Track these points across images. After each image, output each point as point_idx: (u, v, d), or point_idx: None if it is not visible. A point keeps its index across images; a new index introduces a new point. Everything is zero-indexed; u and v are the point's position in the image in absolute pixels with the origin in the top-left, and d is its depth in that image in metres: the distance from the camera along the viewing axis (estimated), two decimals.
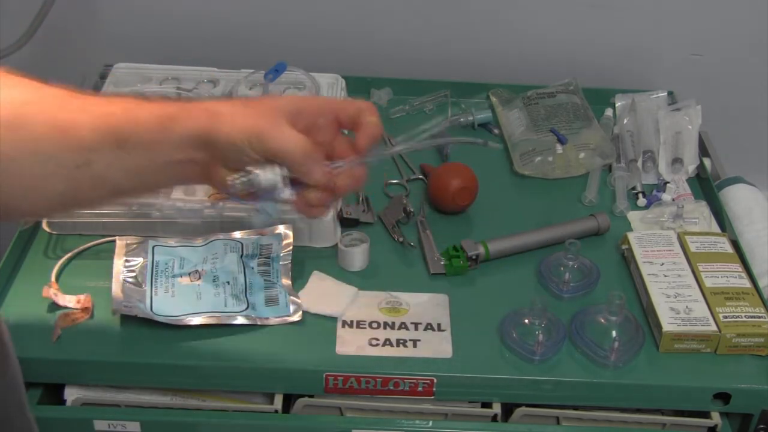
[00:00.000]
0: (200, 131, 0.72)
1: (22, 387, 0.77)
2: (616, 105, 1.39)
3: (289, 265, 1.06)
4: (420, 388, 0.96)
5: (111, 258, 1.05)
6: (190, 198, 1.11)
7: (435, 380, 0.96)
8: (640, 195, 1.23)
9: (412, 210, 1.15)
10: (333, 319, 1.01)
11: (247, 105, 0.75)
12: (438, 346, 0.99)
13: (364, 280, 1.06)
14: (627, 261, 1.11)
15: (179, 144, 0.72)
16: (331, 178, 0.76)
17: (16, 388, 0.75)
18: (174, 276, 1.03)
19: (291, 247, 1.07)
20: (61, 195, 0.72)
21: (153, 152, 0.72)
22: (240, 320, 0.99)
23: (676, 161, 1.26)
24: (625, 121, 1.34)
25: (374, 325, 1.01)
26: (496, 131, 1.35)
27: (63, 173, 0.70)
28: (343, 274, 1.07)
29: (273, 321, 1.00)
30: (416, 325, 1.01)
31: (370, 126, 0.79)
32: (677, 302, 1.01)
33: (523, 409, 0.98)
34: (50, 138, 0.69)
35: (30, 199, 0.71)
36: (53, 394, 0.99)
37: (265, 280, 1.04)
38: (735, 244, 1.11)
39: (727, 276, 1.05)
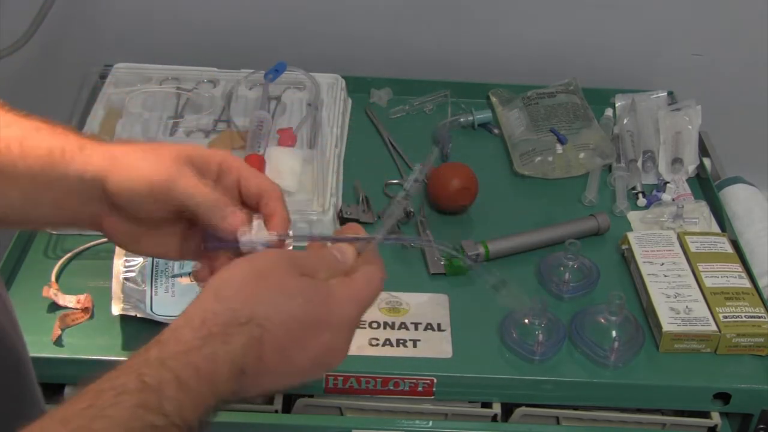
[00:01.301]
0: (96, 175, 0.64)
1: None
2: (616, 105, 1.39)
3: None
4: (420, 388, 0.96)
5: (111, 258, 1.05)
6: None
7: (435, 380, 0.96)
8: (640, 195, 1.23)
9: (412, 210, 1.15)
10: None
11: (147, 151, 0.66)
12: (438, 346, 0.99)
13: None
14: (627, 261, 1.11)
15: (71, 185, 0.65)
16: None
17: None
18: (174, 276, 1.03)
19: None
20: None
21: (34, 194, 0.66)
22: None
23: (676, 161, 1.26)
24: (625, 121, 1.34)
25: (374, 325, 1.01)
26: (496, 131, 1.35)
27: None
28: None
29: None
30: (416, 325, 1.01)
31: (277, 215, 0.68)
32: (677, 302, 1.01)
33: (523, 409, 0.98)
34: None
35: None
36: (53, 394, 0.99)
37: None
38: (735, 244, 1.11)
39: (727, 276, 1.05)
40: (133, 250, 0.71)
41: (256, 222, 0.65)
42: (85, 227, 0.68)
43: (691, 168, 1.27)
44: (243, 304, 0.57)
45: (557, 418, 1.00)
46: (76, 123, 1.23)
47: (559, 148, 1.25)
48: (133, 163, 0.65)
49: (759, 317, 1.00)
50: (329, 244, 0.66)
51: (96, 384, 0.55)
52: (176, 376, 0.54)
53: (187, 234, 0.68)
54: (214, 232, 0.65)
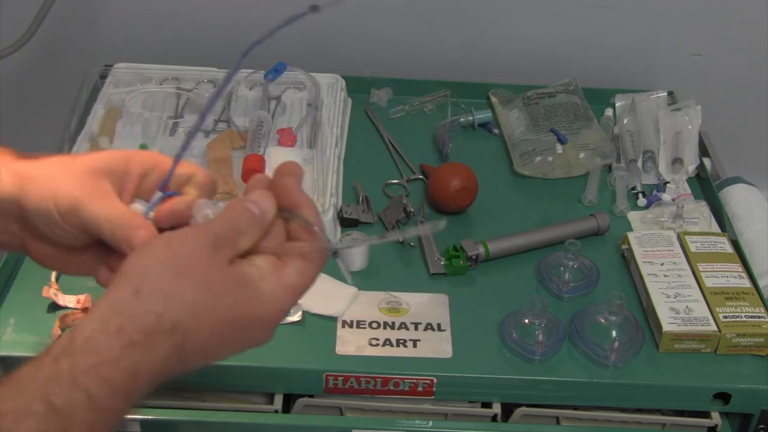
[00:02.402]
0: (7, 196, 0.60)
1: None
2: (616, 105, 1.39)
3: None
4: (420, 388, 0.96)
5: None
6: None
7: (435, 380, 0.96)
8: (640, 195, 1.23)
9: (412, 210, 1.15)
10: (333, 319, 1.01)
11: (59, 166, 0.61)
12: (438, 346, 0.99)
13: (364, 280, 1.06)
14: (627, 261, 1.11)
15: None
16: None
17: None
18: None
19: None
20: None
21: None
22: None
23: (676, 161, 1.26)
24: (625, 121, 1.34)
25: (374, 325, 1.01)
26: (496, 131, 1.35)
27: None
28: (343, 274, 1.07)
29: None
30: (416, 325, 1.01)
31: (200, 185, 0.64)
32: (677, 302, 1.01)
33: (523, 409, 0.98)
34: None
35: None
36: None
37: None
38: (735, 244, 1.11)
39: (727, 276, 1.05)
40: (62, 271, 0.67)
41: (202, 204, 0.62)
42: (10, 249, 0.65)
43: (691, 168, 1.27)
44: (166, 307, 0.52)
45: (557, 418, 1.00)
46: (76, 123, 1.23)
47: (559, 148, 1.25)
48: (42, 180, 0.60)
49: (759, 317, 1.00)
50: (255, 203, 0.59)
51: None
52: (89, 396, 0.49)
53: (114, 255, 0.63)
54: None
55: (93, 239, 0.62)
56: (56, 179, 0.60)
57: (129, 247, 0.59)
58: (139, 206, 0.64)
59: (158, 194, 0.63)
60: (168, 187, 0.64)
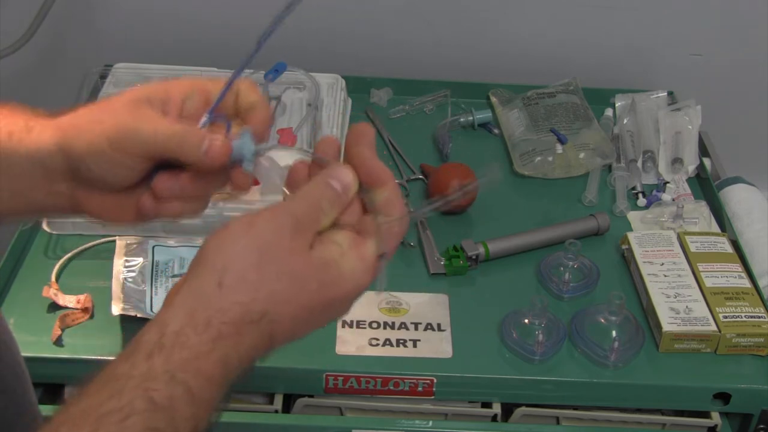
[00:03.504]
0: (52, 151, 0.59)
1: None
2: (616, 105, 1.39)
3: None
4: (420, 388, 0.96)
5: (111, 258, 1.05)
6: None
7: (435, 380, 0.96)
8: (640, 195, 1.23)
9: (412, 210, 1.15)
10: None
11: (103, 106, 0.61)
12: (438, 346, 0.99)
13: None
14: (627, 261, 1.11)
15: (24, 169, 0.60)
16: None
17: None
18: (174, 276, 1.03)
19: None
20: None
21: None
22: None
23: (676, 161, 1.26)
24: (625, 121, 1.34)
25: (374, 325, 1.01)
26: (496, 131, 1.35)
27: None
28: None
29: None
30: (416, 325, 1.01)
31: (257, 111, 0.62)
32: (677, 302, 1.01)
33: (523, 409, 0.98)
34: None
35: None
36: (53, 394, 0.99)
37: None
38: (735, 244, 1.11)
39: (727, 276, 1.05)
40: (118, 221, 0.64)
41: (244, 134, 0.60)
42: (56, 211, 0.64)
43: (691, 168, 1.27)
44: (252, 298, 0.52)
45: (557, 418, 1.00)
46: None
47: (559, 148, 1.25)
48: (87, 125, 0.59)
49: (759, 317, 1.00)
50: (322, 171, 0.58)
51: (95, 400, 0.49)
52: (187, 389, 0.49)
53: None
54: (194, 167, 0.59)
55: (147, 171, 0.60)
56: (102, 118, 0.59)
57: (201, 157, 0.58)
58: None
59: (206, 117, 0.61)
60: (218, 111, 0.61)
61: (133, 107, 0.59)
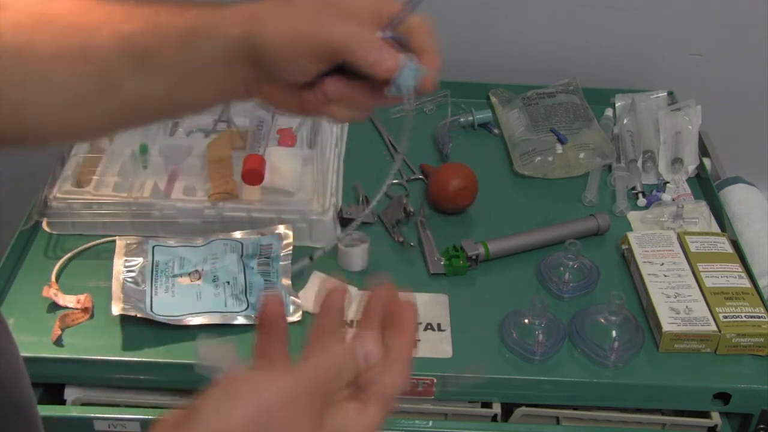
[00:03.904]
0: (238, 40, 0.60)
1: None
2: (616, 105, 1.39)
3: (289, 265, 1.06)
4: (420, 388, 0.96)
5: (111, 258, 1.05)
6: (190, 198, 1.11)
7: (435, 380, 0.96)
8: (640, 195, 1.23)
9: (412, 210, 1.15)
10: None
11: (298, 4, 0.61)
12: (438, 346, 0.99)
13: (364, 280, 1.06)
14: (627, 261, 1.11)
15: (216, 55, 0.60)
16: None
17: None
18: (174, 276, 1.03)
19: (291, 247, 1.07)
20: (95, 121, 0.64)
21: (182, 71, 0.61)
22: (240, 320, 0.99)
23: (676, 161, 1.26)
24: (625, 121, 1.34)
25: None
26: (496, 131, 1.35)
27: (88, 102, 0.62)
28: (343, 274, 1.07)
29: None
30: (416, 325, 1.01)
31: (426, 55, 0.65)
32: (677, 302, 1.01)
33: (523, 409, 0.98)
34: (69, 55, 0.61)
35: (64, 116, 0.63)
36: (53, 394, 0.99)
37: (265, 280, 1.04)
38: (735, 244, 1.11)
39: (727, 276, 1.05)
40: (293, 112, 0.66)
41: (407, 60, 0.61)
42: (237, 97, 0.65)
43: (691, 168, 1.27)
44: None
45: (557, 418, 1.00)
46: None
47: (559, 148, 1.25)
48: (278, 17, 0.60)
49: (759, 317, 1.00)
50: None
51: None
52: None
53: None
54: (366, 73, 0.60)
55: (322, 71, 0.61)
56: (293, 12, 0.60)
57: (371, 64, 0.59)
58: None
59: (381, 33, 0.61)
60: (394, 29, 0.62)
61: (325, 10, 0.60)
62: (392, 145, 1.30)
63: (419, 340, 0.99)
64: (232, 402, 0.47)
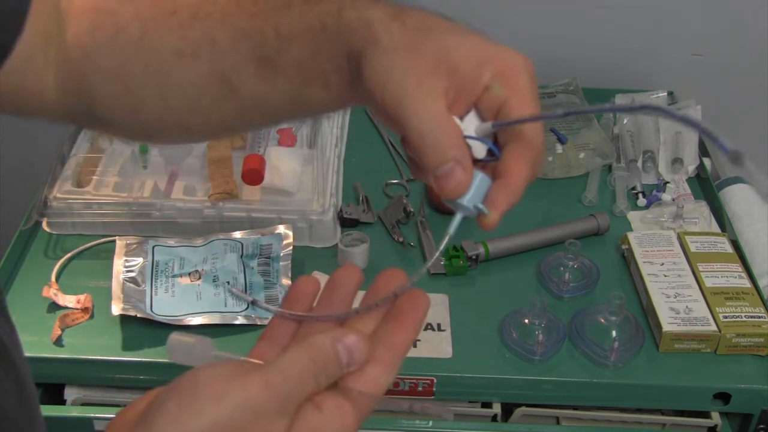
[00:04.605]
0: (350, 51, 0.53)
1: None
2: None
3: (289, 265, 1.06)
4: (420, 388, 0.96)
5: (111, 258, 1.05)
6: (190, 198, 1.11)
7: (435, 380, 0.96)
8: (640, 195, 1.23)
9: (412, 210, 1.15)
10: None
11: (413, 44, 0.51)
12: (438, 346, 0.99)
13: (364, 280, 1.06)
14: (627, 261, 1.11)
15: (340, 62, 0.54)
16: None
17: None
18: (174, 276, 1.03)
19: (291, 247, 1.07)
20: (217, 121, 0.60)
21: (306, 74, 0.55)
22: (240, 320, 0.99)
23: (676, 161, 1.26)
24: (625, 121, 1.34)
25: None
26: None
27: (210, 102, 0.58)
28: None
29: None
30: None
31: (514, 170, 0.54)
32: (677, 302, 1.01)
33: (523, 409, 0.98)
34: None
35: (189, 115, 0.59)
36: (53, 394, 0.99)
37: (265, 280, 1.04)
38: (735, 244, 1.11)
39: (727, 276, 1.05)
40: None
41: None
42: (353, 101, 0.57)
43: (691, 168, 1.27)
44: None
45: (557, 418, 1.00)
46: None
47: (559, 148, 1.25)
48: (385, 55, 0.51)
49: (759, 317, 1.00)
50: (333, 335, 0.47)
51: None
52: None
53: None
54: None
55: None
56: (395, 62, 0.51)
57: (439, 182, 0.51)
58: (463, 124, 0.51)
59: (488, 124, 0.51)
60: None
61: (430, 73, 0.50)
62: (392, 145, 1.30)
63: (419, 340, 0.99)
64: (193, 410, 0.43)
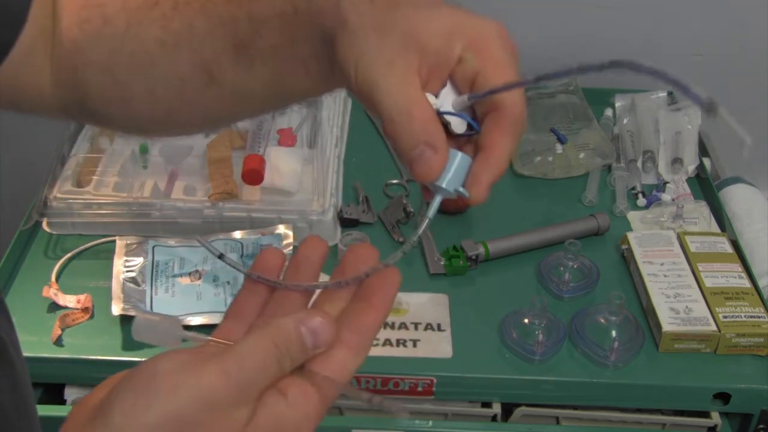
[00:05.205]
0: (323, 34, 0.51)
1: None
2: (616, 105, 1.39)
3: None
4: (420, 388, 0.96)
5: (111, 258, 1.05)
6: (190, 198, 1.11)
7: (435, 380, 0.96)
8: (640, 195, 1.23)
9: (412, 210, 1.15)
10: None
11: (381, 23, 0.49)
12: (438, 346, 0.99)
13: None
14: (627, 261, 1.11)
15: (315, 45, 0.52)
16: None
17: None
18: (174, 276, 1.03)
19: (291, 247, 1.07)
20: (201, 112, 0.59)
21: (284, 58, 0.54)
22: None
23: (676, 161, 1.26)
24: (625, 121, 1.34)
25: None
26: None
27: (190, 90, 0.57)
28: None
29: None
30: (416, 325, 1.01)
31: (496, 147, 0.52)
32: (677, 302, 1.01)
33: (523, 409, 0.98)
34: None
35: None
36: (53, 394, 0.99)
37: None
38: (735, 244, 1.11)
39: (727, 276, 1.05)
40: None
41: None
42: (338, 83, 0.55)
43: (691, 168, 1.27)
44: None
45: (557, 418, 1.00)
46: (76, 123, 1.23)
47: (559, 148, 1.25)
48: (355, 35, 0.49)
49: (759, 317, 1.00)
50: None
51: None
52: None
53: None
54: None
55: None
56: (365, 44, 0.49)
57: (418, 171, 0.49)
58: (438, 100, 0.50)
59: (464, 97, 0.50)
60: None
61: (401, 50, 0.48)
62: None
63: (419, 340, 0.99)
64: (149, 403, 0.42)
